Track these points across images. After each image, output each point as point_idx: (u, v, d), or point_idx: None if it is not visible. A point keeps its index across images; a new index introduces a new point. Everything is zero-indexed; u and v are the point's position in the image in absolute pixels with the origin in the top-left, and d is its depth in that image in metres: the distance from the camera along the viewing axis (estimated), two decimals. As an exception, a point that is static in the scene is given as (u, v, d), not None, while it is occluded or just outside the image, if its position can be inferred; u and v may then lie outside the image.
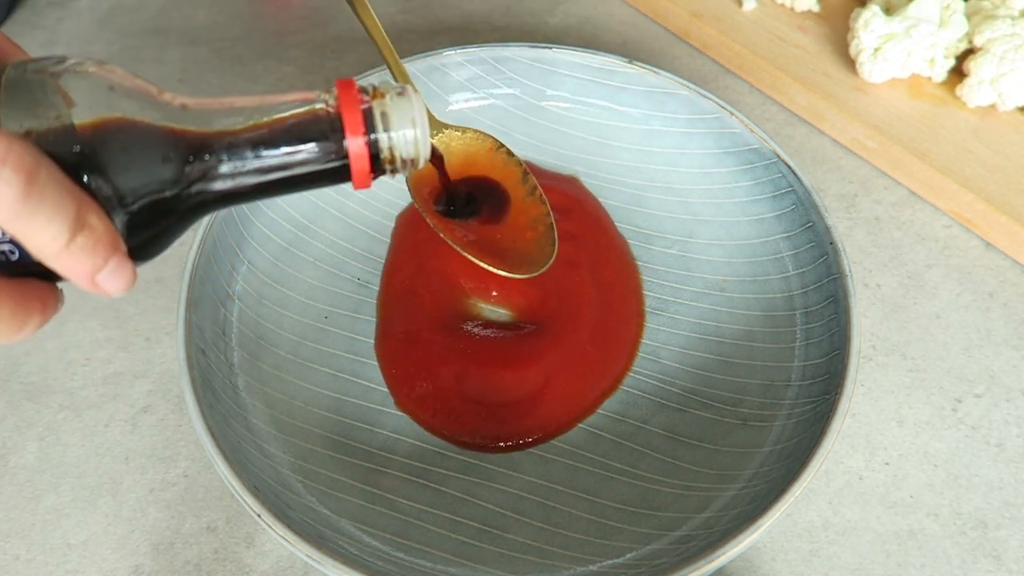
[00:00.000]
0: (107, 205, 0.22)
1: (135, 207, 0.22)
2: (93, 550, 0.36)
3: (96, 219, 0.21)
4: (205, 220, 0.39)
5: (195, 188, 0.23)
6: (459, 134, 0.39)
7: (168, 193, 0.23)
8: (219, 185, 0.23)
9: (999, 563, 0.35)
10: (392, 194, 0.45)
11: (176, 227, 0.24)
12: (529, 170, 0.40)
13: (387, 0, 0.60)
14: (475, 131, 0.40)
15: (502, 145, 0.40)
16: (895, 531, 0.36)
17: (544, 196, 0.39)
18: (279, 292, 0.41)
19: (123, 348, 0.42)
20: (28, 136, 0.21)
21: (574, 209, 0.44)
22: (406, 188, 0.45)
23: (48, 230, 0.20)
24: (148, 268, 0.45)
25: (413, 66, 0.46)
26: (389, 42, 0.39)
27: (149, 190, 0.22)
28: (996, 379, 0.41)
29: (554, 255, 0.37)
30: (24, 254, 0.21)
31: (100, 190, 0.22)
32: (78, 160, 0.21)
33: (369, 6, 0.38)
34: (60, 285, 0.24)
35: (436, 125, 0.39)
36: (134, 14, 0.60)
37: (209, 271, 0.38)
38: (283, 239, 0.43)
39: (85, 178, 0.21)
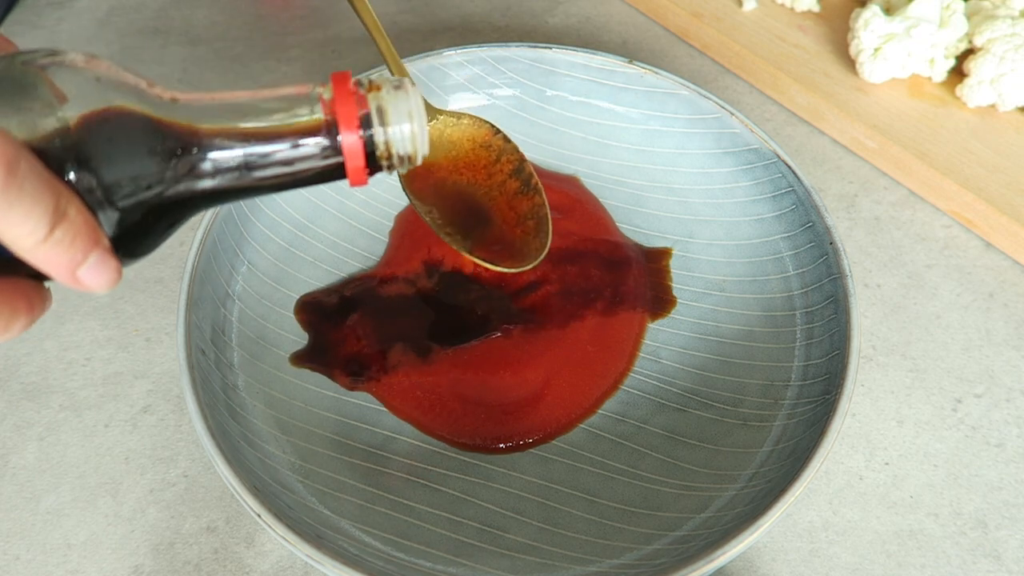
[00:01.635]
0: (90, 199, 0.21)
1: (121, 202, 0.22)
2: (93, 550, 0.36)
3: (75, 211, 0.21)
4: (205, 220, 0.39)
5: (183, 184, 0.22)
6: (454, 120, 0.38)
7: (155, 188, 0.22)
8: (208, 182, 0.22)
9: (999, 563, 0.35)
10: (392, 194, 0.45)
11: (165, 224, 0.23)
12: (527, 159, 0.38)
13: (387, 0, 0.60)
14: (471, 117, 0.39)
15: (499, 131, 0.38)
16: (895, 531, 0.36)
17: (539, 185, 0.38)
18: (279, 292, 0.41)
19: (123, 348, 0.42)
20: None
21: (574, 209, 0.44)
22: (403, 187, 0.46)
23: (26, 223, 0.20)
24: (148, 268, 0.45)
25: (413, 66, 0.46)
26: (389, 42, 0.38)
27: (135, 185, 0.22)
28: (996, 379, 0.41)
29: (547, 247, 0.36)
30: (3, 250, 0.21)
31: (82, 183, 0.21)
32: (60, 152, 0.21)
33: (369, 6, 0.38)
34: (48, 285, 0.23)
35: (431, 111, 0.38)
36: (134, 14, 0.60)
37: (209, 271, 0.38)
38: (283, 239, 0.43)
39: (68, 171, 0.21)
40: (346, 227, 0.44)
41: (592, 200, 0.45)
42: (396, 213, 0.45)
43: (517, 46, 0.47)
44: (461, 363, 0.39)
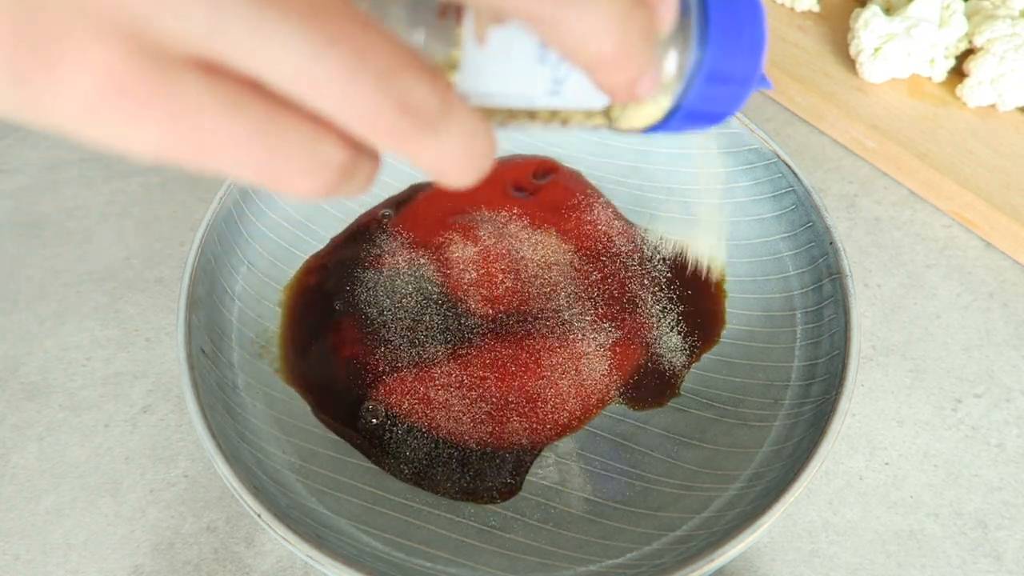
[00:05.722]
0: None
1: None
2: (93, 550, 0.36)
3: None
4: (205, 220, 0.39)
5: None
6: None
7: None
8: None
9: (999, 563, 0.35)
10: (391, 194, 0.45)
11: None
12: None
13: (387, 0, 0.60)
14: None
15: None
16: (895, 531, 0.36)
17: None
18: (279, 292, 0.41)
19: (123, 348, 0.42)
20: None
21: (580, 205, 0.44)
22: (405, 187, 0.46)
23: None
24: (148, 268, 0.45)
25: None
26: None
27: None
28: (996, 379, 0.41)
29: None
30: None
31: None
32: None
33: None
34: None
35: None
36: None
37: (209, 271, 0.38)
38: (283, 239, 0.43)
39: None
40: (345, 227, 0.44)
41: (597, 194, 0.45)
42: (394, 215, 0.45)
43: (517, 46, 0.47)
44: (463, 364, 0.39)
